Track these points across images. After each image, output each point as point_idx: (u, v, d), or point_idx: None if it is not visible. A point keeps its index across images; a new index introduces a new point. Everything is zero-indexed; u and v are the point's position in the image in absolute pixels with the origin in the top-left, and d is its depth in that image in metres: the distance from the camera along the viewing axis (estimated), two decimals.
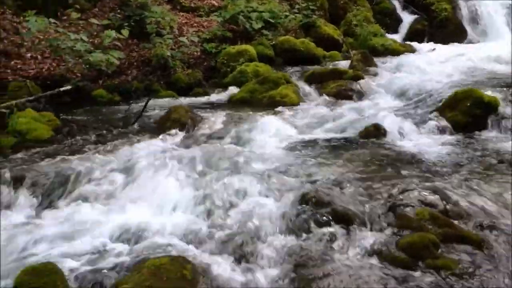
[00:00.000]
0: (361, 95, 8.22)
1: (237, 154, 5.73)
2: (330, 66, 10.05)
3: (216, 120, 7.14)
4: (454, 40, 13.63)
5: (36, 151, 6.22)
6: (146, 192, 4.89)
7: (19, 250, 4.05)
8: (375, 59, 10.27)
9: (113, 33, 9.35)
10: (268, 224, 4.04)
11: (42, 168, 5.49)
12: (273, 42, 11.09)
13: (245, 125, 6.76)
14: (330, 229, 3.93)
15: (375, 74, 9.34)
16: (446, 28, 14.29)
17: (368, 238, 3.86)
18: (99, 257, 3.81)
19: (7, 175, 5.28)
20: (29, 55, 9.90)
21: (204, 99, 9.06)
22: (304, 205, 4.20)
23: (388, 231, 3.94)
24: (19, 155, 6.07)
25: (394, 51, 11.71)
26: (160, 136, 6.58)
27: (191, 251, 3.83)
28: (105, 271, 3.62)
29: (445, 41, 13.29)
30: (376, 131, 6.16)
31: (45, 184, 5.14)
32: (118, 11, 11.30)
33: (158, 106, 8.40)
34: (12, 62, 9.65)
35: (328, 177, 4.84)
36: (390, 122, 6.42)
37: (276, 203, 4.35)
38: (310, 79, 9.03)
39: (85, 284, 3.50)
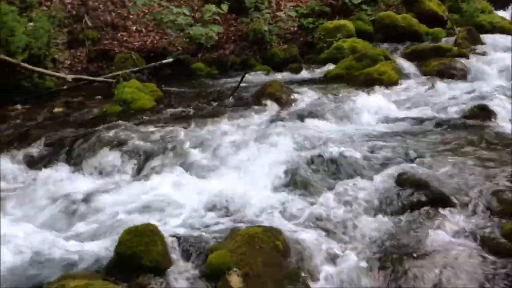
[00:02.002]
0: (465, 75, 7.77)
1: (331, 131, 5.69)
2: (433, 43, 9.58)
3: (311, 96, 7.09)
4: None
5: (139, 119, 6.56)
6: (242, 164, 5.00)
7: (121, 211, 4.32)
8: (482, 37, 9.65)
9: (213, 8, 9.54)
10: (362, 203, 3.98)
11: (145, 135, 5.78)
12: (373, 18, 10.74)
13: (340, 102, 6.66)
14: (427, 211, 3.80)
15: (482, 53, 8.78)
16: None
17: (468, 222, 3.69)
18: (195, 223, 3.97)
19: (111, 142, 5.63)
20: (134, 28, 10.36)
21: (299, 74, 9.03)
22: (400, 185, 4.09)
23: (490, 216, 3.74)
24: (124, 122, 6.42)
25: (503, 29, 10.90)
26: (255, 110, 6.66)
27: (283, 224, 3.86)
28: (200, 236, 3.75)
29: None
30: (481, 113, 5.81)
31: (146, 150, 5.42)
32: None
33: (254, 80, 8.50)
34: (119, 35, 10.16)
35: (426, 157, 4.66)
36: (497, 104, 6.04)
37: (371, 182, 4.27)
38: (410, 56, 8.66)
39: (182, 246, 3.65)
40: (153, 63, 9.17)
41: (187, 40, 9.63)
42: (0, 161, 5.29)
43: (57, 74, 8.31)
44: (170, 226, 3.90)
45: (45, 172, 5.10)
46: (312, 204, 4.08)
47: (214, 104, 7.30)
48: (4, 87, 7.65)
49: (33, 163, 5.38)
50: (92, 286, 2.98)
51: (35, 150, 5.60)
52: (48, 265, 3.51)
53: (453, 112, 6.15)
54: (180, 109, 7.09)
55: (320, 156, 4.85)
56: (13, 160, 5.38)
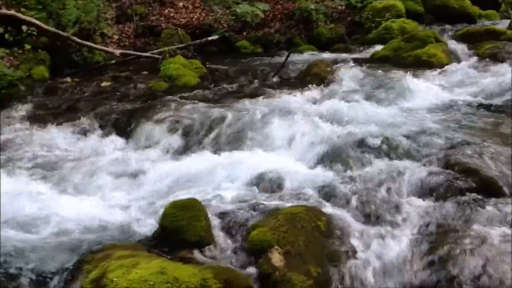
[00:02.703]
0: None
1: (377, 113, 5.59)
2: (486, 26, 9.24)
3: (356, 77, 6.98)
4: None
5: (184, 95, 6.63)
6: (285, 142, 5.00)
7: (165, 185, 4.40)
8: None
9: None
10: (407, 186, 3.91)
11: (189, 112, 5.84)
12: None
13: (387, 84, 6.51)
14: (475, 197, 3.70)
15: None
16: None
17: None
18: (238, 199, 3.99)
19: (157, 116, 5.72)
20: (181, 4, 10.42)
21: (345, 55, 8.89)
22: (448, 170, 3.99)
23: None
24: (169, 98, 6.50)
25: None
26: (299, 90, 6.61)
27: (326, 204, 3.83)
28: (242, 212, 3.78)
29: None
30: None
31: (190, 126, 5.49)
32: None
33: (299, 60, 8.42)
34: (166, 11, 10.25)
35: (476, 142, 4.52)
36: None
37: (418, 165, 4.19)
38: (462, 39, 8.40)
39: (224, 222, 3.69)
40: (199, 40, 9.21)
41: (233, 17, 9.62)
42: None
43: (106, 48, 8.47)
44: (213, 202, 3.93)
45: (93, 143, 5.24)
46: (356, 185, 4.03)
47: (258, 82, 7.30)
48: (56, 60, 7.86)
49: (82, 134, 5.55)
50: (136, 257, 3.04)
51: (84, 122, 5.77)
52: (93, 234, 3.61)
53: (505, 97, 5.93)
54: (223, 86, 7.12)
55: (365, 137, 4.77)
56: (64, 130, 5.55)
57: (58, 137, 5.47)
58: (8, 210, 3.82)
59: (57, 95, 6.98)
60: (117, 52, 8.44)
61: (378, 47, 8.70)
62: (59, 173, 4.69)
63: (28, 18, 7.62)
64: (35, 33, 7.67)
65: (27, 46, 7.57)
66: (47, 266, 3.25)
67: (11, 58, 7.43)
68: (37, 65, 7.60)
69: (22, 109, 6.32)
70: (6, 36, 7.48)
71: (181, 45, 8.83)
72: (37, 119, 6.01)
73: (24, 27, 7.52)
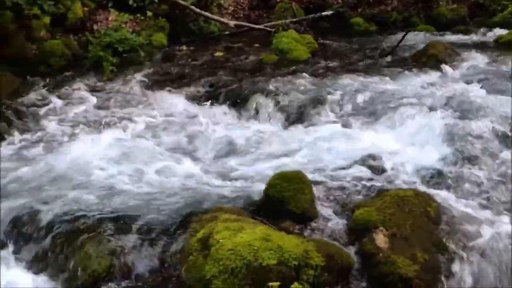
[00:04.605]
0: None
1: (497, 102, 5.21)
2: None
3: (477, 62, 6.59)
4: None
5: (294, 69, 6.64)
6: (395, 123, 4.85)
7: (274, 156, 4.46)
8: None
9: None
10: None
11: (298, 86, 5.85)
12: None
13: (511, 71, 6.07)
14: None
15: None
16: None
17: None
18: (343, 176, 3.96)
19: (267, 89, 5.79)
20: None
21: (465, 37, 8.38)
22: None
23: None
24: (278, 71, 6.54)
25: None
26: (414, 71, 6.36)
27: (436, 191, 3.70)
28: (347, 190, 3.76)
29: None
30: None
31: (299, 101, 5.49)
32: None
33: (415, 40, 8.07)
34: None
35: None
36: None
37: None
38: None
39: (328, 198, 3.69)
40: (312, 15, 9.13)
41: None
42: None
43: (221, 19, 8.66)
44: (318, 176, 3.93)
45: (205, 111, 5.44)
46: (469, 173, 3.84)
47: (371, 61, 7.12)
48: (174, 28, 8.18)
49: (195, 101, 5.77)
50: (241, 222, 3.13)
51: (198, 89, 5.99)
52: (202, 197, 3.75)
53: None
54: (334, 63, 7.03)
55: (481, 125, 4.51)
56: (178, 96, 5.81)
57: (171, 102, 5.72)
58: None
59: (173, 62, 7.28)
60: (232, 23, 8.60)
61: (503, 31, 8.11)
62: (173, 138, 4.91)
63: None
64: (156, 0, 8.02)
65: (149, 13, 7.92)
66: (156, 221, 3.44)
67: (134, 24, 7.83)
68: (157, 32, 7.95)
69: (141, 73, 6.68)
70: (130, 2, 7.88)
71: (294, 19, 8.81)
72: (154, 83, 6.32)
73: None
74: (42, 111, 5.52)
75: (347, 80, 5.95)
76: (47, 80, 6.36)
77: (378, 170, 4.05)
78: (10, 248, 3.31)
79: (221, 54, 7.63)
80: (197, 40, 8.28)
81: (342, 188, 3.78)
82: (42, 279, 3.06)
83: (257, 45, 8.04)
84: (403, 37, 7.59)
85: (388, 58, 7.21)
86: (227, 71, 6.70)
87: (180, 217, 3.45)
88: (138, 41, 7.25)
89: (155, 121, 5.28)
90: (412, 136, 4.52)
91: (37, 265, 3.17)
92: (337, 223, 3.39)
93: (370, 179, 3.91)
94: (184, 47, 7.89)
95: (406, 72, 6.31)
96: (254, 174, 4.15)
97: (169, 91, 6.00)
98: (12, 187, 3.92)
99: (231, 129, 5.04)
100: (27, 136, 5.00)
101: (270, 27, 8.41)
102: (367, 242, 3.01)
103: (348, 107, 5.23)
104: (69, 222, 3.36)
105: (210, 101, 5.74)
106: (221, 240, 2.86)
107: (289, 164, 4.19)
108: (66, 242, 3.21)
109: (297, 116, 5.26)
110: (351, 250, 3.09)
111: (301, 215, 3.38)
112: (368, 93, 5.48)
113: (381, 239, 2.98)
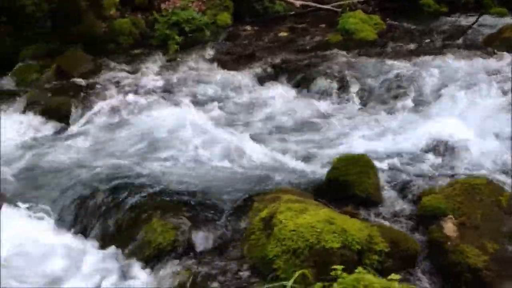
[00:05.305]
0: None
1: None
2: None
3: None
4: None
5: (360, 50, 6.50)
6: (464, 110, 4.66)
7: (334, 136, 4.43)
8: None
9: None
10: None
11: (364, 67, 5.75)
12: None
13: None
14: None
15: None
16: None
17: None
18: (410, 161, 3.87)
19: (331, 69, 5.71)
20: None
21: None
22: None
23: None
24: (344, 52, 6.42)
25: None
26: (485, 55, 6.06)
27: (506, 180, 3.54)
28: (414, 176, 3.67)
29: None
30: None
31: (364, 82, 5.42)
32: None
33: (488, 23, 7.69)
34: None
35: None
36: None
37: None
38: None
39: (393, 182, 3.62)
40: None
41: None
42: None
43: None
44: (384, 160, 3.85)
45: (269, 90, 5.45)
46: None
47: (440, 43, 6.86)
48: (238, 8, 8.17)
49: (260, 80, 5.78)
50: (304, 203, 3.11)
51: (262, 69, 5.99)
52: (265, 177, 3.77)
53: None
54: (402, 44, 6.81)
55: None
56: (242, 75, 5.83)
57: (236, 80, 5.75)
58: None
59: (238, 41, 7.28)
60: (298, 3, 8.49)
61: None
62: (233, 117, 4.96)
63: None
64: None
65: None
66: (220, 197, 3.48)
67: (200, 3, 7.88)
68: (222, 11, 7.96)
69: (206, 52, 6.73)
70: None
71: (361, 0, 8.58)
72: (219, 62, 6.36)
73: None
74: (117, 84, 5.69)
75: (414, 62, 5.77)
76: (117, 57, 6.53)
77: (445, 157, 3.92)
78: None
79: (285, 34, 7.56)
80: (261, 20, 8.22)
81: (409, 174, 3.70)
82: (109, 252, 3.17)
83: (323, 25, 7.90)
84: (477, 19, 7.27)
85: (459, 40, 6.91)
86: (292, 52, 6.63)
87: (243, 196, 3.48)
88: (204, 20, 7.29)
89: (221, 98, 5.38)
90: (480, 123, 4.32)
91: (107, 238, 3.28)
92: (403, 209, 3.32)
93: (437, 166, 3.81)
94: (249, 27, 7.87)
95: (476, 56, 6.02)
96: (319, 155, 4.12)
97: (234, 70, 6.01)
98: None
99: (296, 108, 5.01)
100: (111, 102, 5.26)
101: (336, 7, 8.23)
102: (435, 230, 2.93)
103: (414, 92, 5.07)
104: (140, 195, 3.47)
105: (272, 80, 5.73)
106: (284, 221, 2.86)
107: (354, 146, 4.13)
108: (135, 216, 3.31)
109: (360, 98, 5.18)
110: (417, 237, 3.02)
111: (365, 200, 3.34)
112: (437, 77, 5.30)
113: (450, 227, 2.89)
